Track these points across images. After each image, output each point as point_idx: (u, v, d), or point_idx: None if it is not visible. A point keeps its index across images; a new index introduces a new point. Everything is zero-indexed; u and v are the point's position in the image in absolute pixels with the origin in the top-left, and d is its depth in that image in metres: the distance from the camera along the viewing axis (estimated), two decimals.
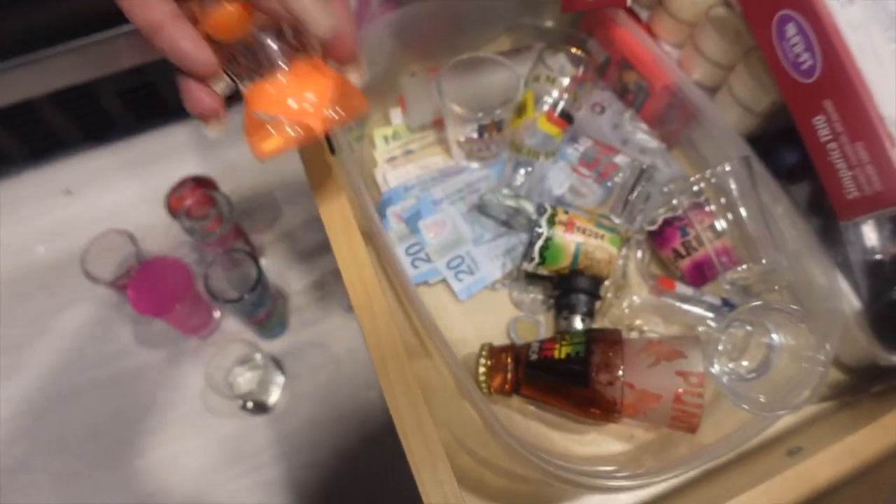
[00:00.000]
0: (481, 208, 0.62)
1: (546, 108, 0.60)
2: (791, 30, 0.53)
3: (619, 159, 0.58)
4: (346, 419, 0.81)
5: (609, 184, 0.58)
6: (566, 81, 0.60)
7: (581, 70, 0.61)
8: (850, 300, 0.57)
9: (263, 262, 0.93)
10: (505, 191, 0.60)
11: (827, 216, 0.62)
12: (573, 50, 0.62)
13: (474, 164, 0.65)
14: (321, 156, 0.54)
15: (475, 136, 0.60)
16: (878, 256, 0.59)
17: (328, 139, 0.54)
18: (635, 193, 0.56)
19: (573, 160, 0.61)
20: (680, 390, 0.48)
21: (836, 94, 0.51)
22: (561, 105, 0.60)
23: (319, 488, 0.79)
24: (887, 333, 0.56)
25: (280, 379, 0.83)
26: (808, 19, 0.52)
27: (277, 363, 0.85)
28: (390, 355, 0.44)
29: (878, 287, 0.58)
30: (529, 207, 0.58)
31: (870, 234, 0.60)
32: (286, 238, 0.93)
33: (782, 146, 0.65)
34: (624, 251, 0.58)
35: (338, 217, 0.51)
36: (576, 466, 0.43)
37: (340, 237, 0.50)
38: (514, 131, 0.62)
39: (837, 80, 0.51)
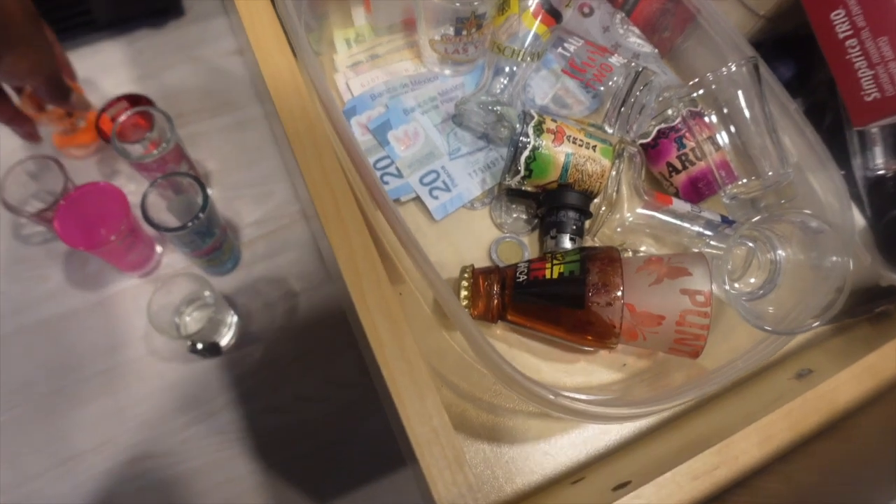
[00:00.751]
0: (457, 118, 0.56)
1: (531, 2, 0.53)
2: None
3: (614, 60, 0.52)
4: (308, 359, 0.75)
5: (602, 88, 0.52)
6: None
7: None
8: (855, 217, 0.54)
9: (210, 191, 0.84)
10: (484, 97, 0.53)
11: (824, 134, 0.58)
12: None
13: (447, 71, 0.58)
14: (279, 48, 0.46)
15: (451, 33, 0.52)
16: (880, 172, 0.56)
17: None
18: (632, 99, 0.50)
19: (561, 63, 0.55)
20: (685, 310, 0.44)
21: None
22: (549, 1, 0.53)
23: (281, 435, 0.73)
24: (893, 250, 0.53)
25: (233, 318, 0.75)
26: None
27: (229, 301, 0.77)
28: (366, 272, 0.38)
29: (882, 204, 0.54)
30: (513, 114, 0.52)
31: (875, 149, 0.56)
32: (233, 164, 0.84)
33: (777, 59, 0.61)
34: (617, 163, 0.52)
35: (299, 117, 0.43)
36: (579, 396, 0.38)
37: (304, 139, 0.43)
38: (495, 30, 0.54)
39: None
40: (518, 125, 0.51)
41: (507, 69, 0.54)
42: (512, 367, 0.38)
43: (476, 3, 0.50)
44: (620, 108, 0.51)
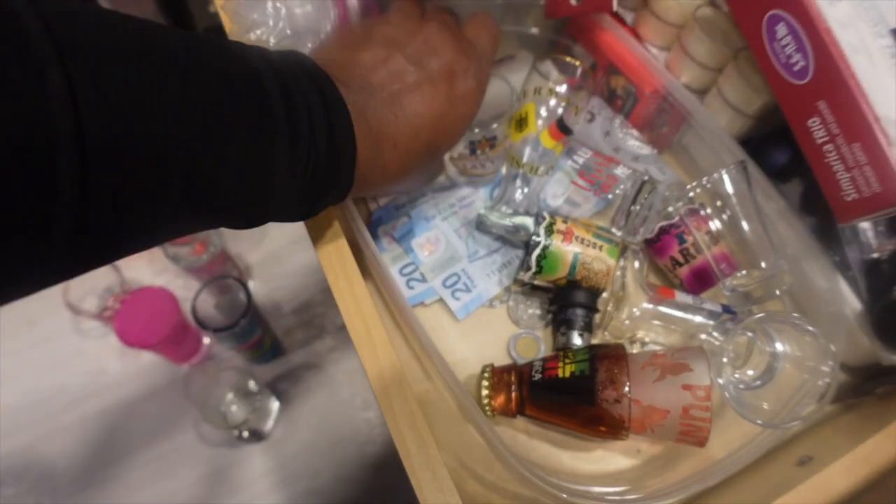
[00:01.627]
0: (480, 226, 0.61)
1: (547, 121, 0.59)
2: (782, 30, 0.53)
3: (620, 171, 0.57)
4: (346, 442, 0.79)
5: (610, 196, 0.57)
6: (563, 90, 0.59)
7: (579, 78, 0.60)
8: (850, 301, 0.57)
9: (251, 284, 0.91)
10: (504, 208, 0.59)
11: (821, 215, 0.62)
12: (566, 58, 0.61)
13: (466, 182, 0.64)
14: None
15: (467, 152, 0.58)
16: (875, 255, 0.59)
17: None
18: (638, 206, 0.55)
19: (571, 172, 0.60)
20: (687, 404, 0.47)
21: (831, 95, 0.50)
22: (560, 114, 0.59)
23: None
24: (890, 333, 0.55)
25: (275, 405, 0.81)
26: (798, 19, 0.51)
27: (272, 388, 0.83)
28: (392, 386, 0.43)
29: (878, 286, 0.57)
30: (529, 223, 0.57)
31: (867, 233, 0.60)
32: (273, 258, 0.91)
33: (772, 145, 0.65)
34: (621, 262, 0.57)
35: (331, 245, 0.49)
36: (582, 488, 0.42)
37: (335, 266, 0.48)
38: (512, 145, 0.60)
39: (831, 81, 0.50)
40: (532, 227, 0.56)
41: (523, 181, 0.59)
42: (524, 463, 0.42)
43: (478, 131, 0.56)
44: (627, 214, 0.56)
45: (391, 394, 0.42)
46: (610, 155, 0.63)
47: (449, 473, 0.52)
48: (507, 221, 0.58)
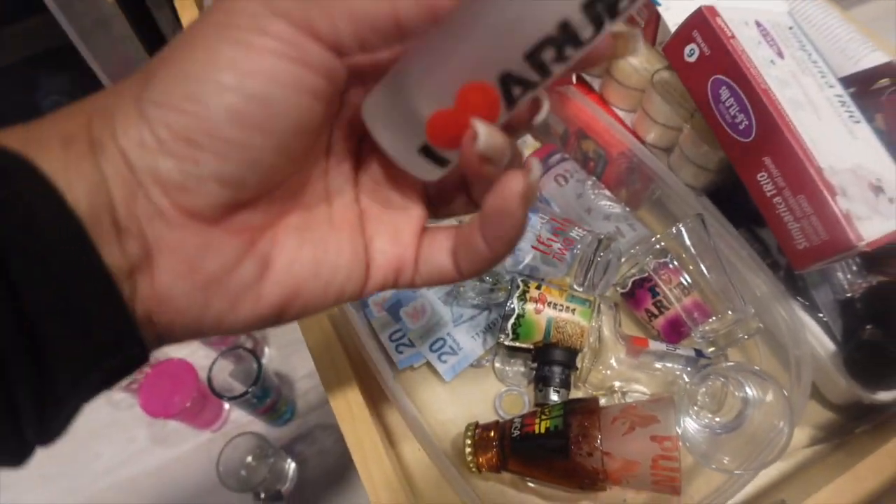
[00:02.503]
0: (455, 299, 0.65)
1: None
2: (725, 93, 0.56)
3: (575, 233, 0.60)
4: (361, 500, 0.82)
5: (567, 258, 0.60)
6: None
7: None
8: (824, 342, 0.58)
9: (267, 350, 0.96)
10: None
11: None
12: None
13: None
14: None
15: None
16: (847, 296, 0.61)
17: None
18: (594, 264, 0.58)
19: (532, 238, 0.64)
20: (656, 455, 0.50)
21: (774, 152, 0.53)
22: None
23: None
24: (863, 373, 0.57)
25: (291, 466, 0.85)
26: (738, 83, 0.55)
27: (288, 450, 0.87)
28: (371, 456, 0.46)
29: (850, 326, 0.59)
30: (504, 276, 0.61)
31: (838, 274, 0.61)
32: (287, 325, 0.96)
33: (745, 192, 0.68)
34: (596, 316, 0.60)
35: (317, 326, 0.54)
36: None
37: (315, 333, 0.53)
38: None
39: (772, 138, 0.53)
40: (507, 279, 0.60)
41: None
42: None
43: None
44: (585, 272, 0.59)
45: (368, 459, 0.46)
46: (580, 216, 0.66)
47: None
48: (483, 281, 0.62)
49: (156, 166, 0.24)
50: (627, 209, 0.67)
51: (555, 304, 0.59)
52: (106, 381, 0.25)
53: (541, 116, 0.30)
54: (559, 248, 0.60)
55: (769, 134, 0.54)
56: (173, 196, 0.25)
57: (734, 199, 0.66)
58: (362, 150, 0.33)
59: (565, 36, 0.24)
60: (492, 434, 0.56)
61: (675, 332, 0.62)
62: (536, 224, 0.63)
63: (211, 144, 0.25)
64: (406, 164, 0.30)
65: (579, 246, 0.60)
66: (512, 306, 0.59)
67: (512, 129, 0.31)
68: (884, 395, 0.56)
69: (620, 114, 0.71)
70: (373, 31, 0.24)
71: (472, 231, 0.31)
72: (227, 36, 0.24)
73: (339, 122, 0.31)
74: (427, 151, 0.29)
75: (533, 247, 0.60)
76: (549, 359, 0.59)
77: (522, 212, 0.28)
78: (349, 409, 0.49)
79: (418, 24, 0.24)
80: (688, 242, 0.58)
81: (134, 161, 0.24)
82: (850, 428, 0.59)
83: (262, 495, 0.82)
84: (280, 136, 0.26)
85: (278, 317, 0.30)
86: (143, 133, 0.24)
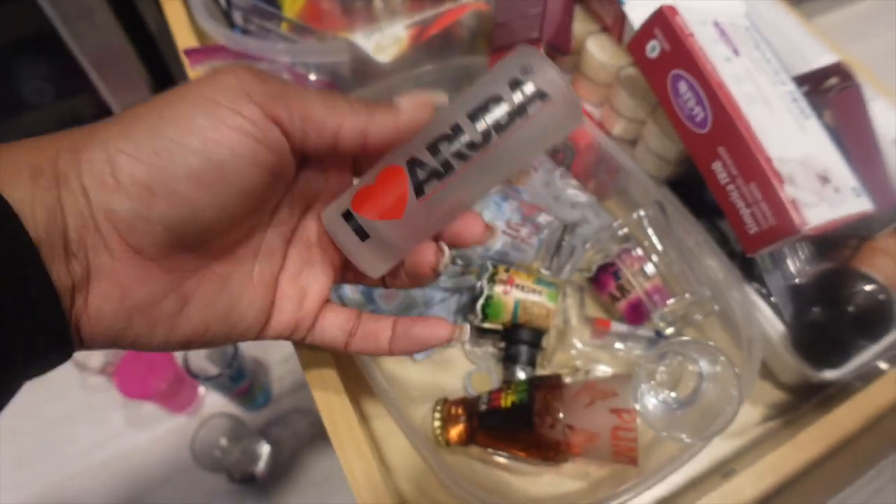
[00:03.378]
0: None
1: None
2: (683, 87, 0.59)
3: (542, 219, 0.63)
4: (333, 480, 0.84)
5: (535, 243, 0.63)
6: None
7: None
8: (775, 325, 0.62)
9: None
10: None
11: None
12: None
13: None
14: None
15: None
16: (796, 280, 0.64)
17: None
18: (560, 249, 0.61)
19: (503, 221, 0.67)
20: (615, 426, 0.53)
21: (727, 142, 0.57)
22: None
23: None
24: (811, 352, 0.60)
25: (265, 448, 0.86)
26: (695, 77, 0.58)
27: (263, 433, 0.89)
28: (345, 433, 0.49)
29: (799, 309, 0.63)
30: (474, 259, 0.63)
31: (788, 261, 0.65)
32: None
33: (702, 188, 0.71)
34: (562, 299, 0.62)
35: None
36: None
37: None
38: None
39: (726, 130, 0.56)
40: (478, 274, 0.63)
41: None
42: (460, 483, 0.47)
43: None
44: (551, 257, 0.62)
45: (339, 424, 0.48)
46: (548, 204, 0.69)
47: (410, 501, 0.58)
48: (455, 263, 0.64)
49: (111, 205, 0.29)
50: (594, 198, 0.70)
51: (522, 287, 0.62)
52: (39, 371, 0.30)
53: (442, 263, 0.39)
54: (526, 234, 0.62)
55: (723, 126, 0.57)
56: (122, 232, 0.29)
57: (695, 192, 0.70)
58: (307, 216, 0.40)
59: (455, 135, 0.35)
60: (460, 409, 0.58)
61: (636, 314, 0.65)
62: (506, 210, 0.66)
63: (165, 194, 0.29)
64: (352, 256, 0.38)
65: (546, 231, 0.63)
66: (482, 288, 0.62)
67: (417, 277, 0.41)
68: (829, 374, 0.59)
69: (589, 108, 0.74)
70: (317, 133, 0.33)
71: (378, 330, 0.42)
72: (204, 109, 0.30)
73: (292, 194, 0.38)
74: (349, 218, 0.37)
75: (503, 231, 0.63)
76: (517, 338, 0.62)
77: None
78: (322, 379, 0.51)
79: (350, 144, 0.34)
80: (648, 228, 0.61)
81: (93, 197, 0.29)
82: (799, 405, 0.63)
83: (236, 476, 0.84)
84: (226, 197, 0.31)
85: (185, 346, 0.35)
86: (105, 175, 0.29)
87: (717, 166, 0.58)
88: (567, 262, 0.63)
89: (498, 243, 0.67)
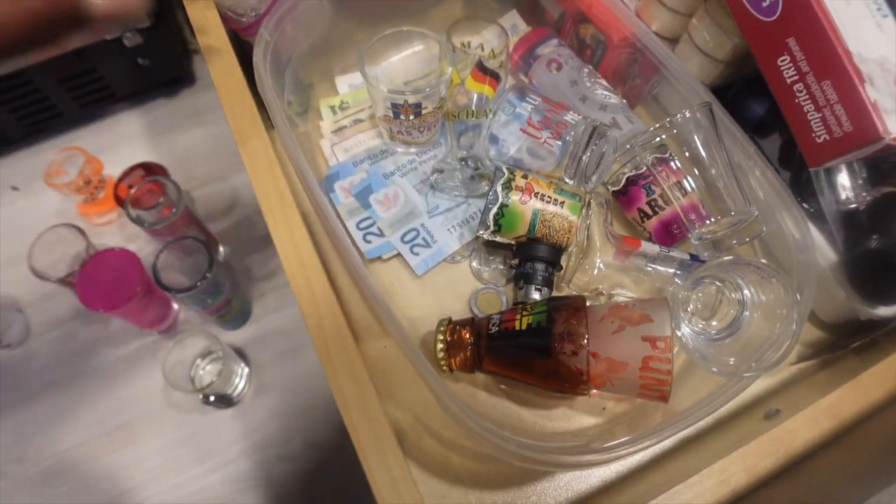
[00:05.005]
0: (437, 183, 0.59)
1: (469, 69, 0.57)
2: None
3: (570, 117, 0.54)
4: (319, 408, 0.78)
5: (560, 143, 0.54)
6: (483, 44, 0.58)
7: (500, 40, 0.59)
8: (825, 253, 0.55)
9: (223, 249, 0.89)
10: (460, 152, 0.56)
11: (799, 168, 0.59)
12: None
13: (399, 149, 0.61)
14: (255, 130, 0.51)
15: (390, 114, 0.56)
16: (852, 206, 0.57)
17: None
18: (588, 153, 0.53)
19: (521, 120, 0.58)
20: (646, 356, 0.45)
21: (800, 31, 0.48)
22: (481, 63, 0.57)
23: (293, 482, 0.76)
24: (866, 284, 0.53)
25: (244, 370, 0.79)
26: None
27: (241, 353, 0.81)
28: (331, 335, 0.41)
29: (855, 237, 0.55)
30: (488, 165, 0.55)
31: (843, 183, 0.57)
32: (245, 223, 0.89)
33: (749, 98, 0.62)
34: (585, 212, 0.54)
35: (272, 194, 0.47)
36: (534, 443, 0.40)
37: (277, 215, 0.47)
38: (447, 102, 0.58)
39: (801, 16, 0.47)
40: (492, 181, 0.54)
41: (468, 128, 0.57)
42: (468, 413, 0.40)
43: (406, 94, 0.54)
44: (577, 162, 0.54)
45: (329, 342, 0.41)
46: (574, 105, 0.60)
47: (406, 430, 0.51)
48: (466, 165, 0.56)
49: None
50: (624, 101, 0.61)
51: (542, 196, 0.54)
52: None
53: None
54: (551, 133, 0.54)
55: (797, 12, 0.48)
56: None
57: (735, 104, 0.61)
58: None
59: None
60: (467, 331, 0.51)
61: (668, 234, 0.57)
62: (523, 113, 0.57)
63: None
64: None
65: (571, 133, 0.54)
66: (496, 195, 0.53)
67: None
68: (884, 310, 0.53)
69: None
70: None
71: None
72: None
73: None
74: None
75: (522, 129, 0.54)
76: (533, 254, 0.54)
77: None
78: (311, 293, 0.43)
79: None
80: (693, 133, 0.53)
81: None
82: (841, 345, 0.56)
83: (212, 398, 0.77)
84: None
85: None
86: None
87: (783, 61, 0.49)
88: (594, 171, 0.54)
89: (513, 148, 0.58)
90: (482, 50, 0.58)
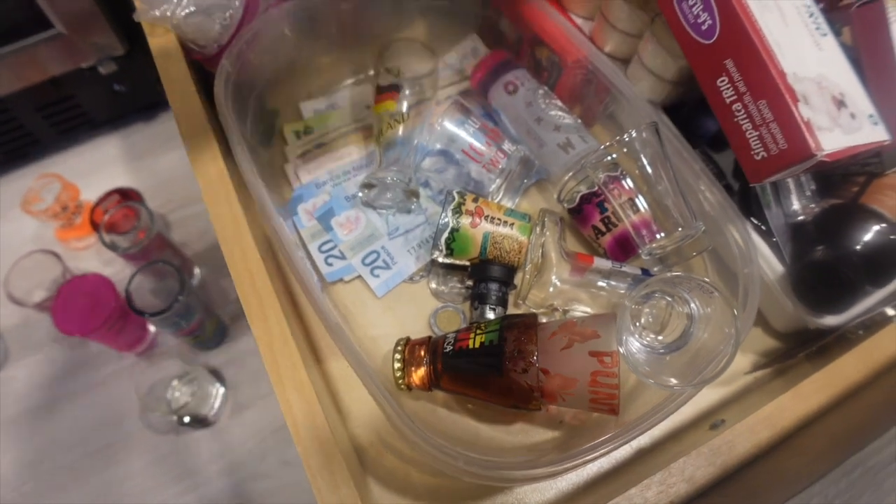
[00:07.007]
0: (368, 200, 0.60)
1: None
2: None
3: (507, 146, 0.56)
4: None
5: (499, 170, 0.56)
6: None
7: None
8: (773, 265, 0.56)
9: (198, 271, 0.90)
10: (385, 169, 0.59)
11: (747, 182, 0.61)
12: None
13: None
14: (211, 159, 0.52)
15: None
16: (799, 218, 0.58)
17: None
18: (523, 181, 0.55)
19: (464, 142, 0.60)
20: (594, 371, 0.47)
21: (737, 53, 0.49)
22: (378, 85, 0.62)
23: (269, 499, 0.77)
24: (811, 295, 0.55)
25: (220, 391, 0.80)
26: None
27: (217, 375, 0.82)
28: (282, 358, 0.42)
29: (800, 249, 0.57)
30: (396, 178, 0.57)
31: (791, 197, 0.59)
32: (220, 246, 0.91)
33: (703, 114, 0.64)
34: (540, 231, 0.56)
35: (228, 221, 0.48)
36: (483, 458, 0.42)
37: (231, 243, 0.48)
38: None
39: (736, 38, 0.49)
40: (441, 206, 0.56)
41: (395, 143, 0.59)
42: (423, 435, 0.41)
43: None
44: (503, 186, 0.56)
45: (281, 367, 0.42)
46: (529, 126, 0.62)
47: (367, 447, 0.52)
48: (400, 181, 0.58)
49: None
50: (579, 121, 0.63)
51: (492, 218, 0.55)
52: None
53: None
54: (491, 160, 0.56)
55: (733, 35, 0.50)
56: None
57: (690, 120, 0.63)
58: None
59: None
60: (423, 350, 0.52)
61: (622, 250, 0.59)
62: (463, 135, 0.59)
63: None
64: None
65: (506, 162, 0.56)
66: (446, 220, 0.55)
67: None
68: (830, 319, 0.54)
69: (578, 21, 0.66)
70: None
71: None
72: None
73: None
74: None
75: (464, 151, 0.56)
76: (486, 275, 0.55)
77: None
78: (263, 312, 0.44)
79: None
80: (641, 151, 0.54)
81: None
82: (792, 353, 0.58)
83: (187, 420, 0.78)
84: None
85: None
86: None
87: (722, 82, 0.51)
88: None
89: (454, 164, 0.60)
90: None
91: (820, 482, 0.34)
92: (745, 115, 0.50)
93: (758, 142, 0.50)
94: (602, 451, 0.43)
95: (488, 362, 0.49)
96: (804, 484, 0.38)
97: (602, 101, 0.64)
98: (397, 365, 0.52)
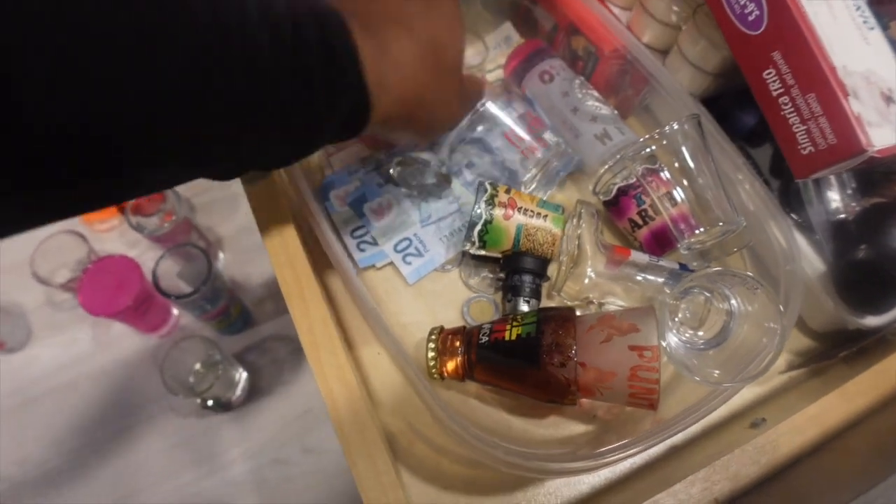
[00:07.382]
0: (396, 177, 0.60)
1: None
2: None
3: (548, 136, 0.55)
4: (314, 413, 0.79)
5: (536, 158, 0.56)
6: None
7: None
8: (814, 263, 0.55)
9: (223, 255, 0.90)
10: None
11: (788, 179, 0.60)
12: None
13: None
14: None
15: None
16: (841, 216, 0.57)
17: None
18: (559, 173, 0.54)
19: (504, 126, 0.59)
20: (634, 366, 0.46)
21: (785, 45, 0.48)
22: None
23: (289, 485, 0.77)
24: (853, 294, 0.54)
25: (242, 375, 0.80)
26: None
27: (239, 359, 0.82)
28: (322, 341, 0.42)
29: (842, 247, 0.56)
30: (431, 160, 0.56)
31: (831, 194, 0.58)
32: (245, 230, 0.91)
33: (741, 108, 0.63)
34: (574, 222, 0.55)
35: (266, 202, 0.48)
36: (522, 450, 0.41)
37: (270, 223, 0.47)
38: None
39: (785, 30, 0.48)
40: (474, 199, 0.55)
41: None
42: (457, 420, 0.41)
43: None
44: (538, 176, 0.55)
45: (320, 349, 0.42)
46: (564, 116, 0.61)
47: (397, 435, 0.52)
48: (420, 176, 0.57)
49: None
50: (616, 112, 0.62)
51: (525, 210, 0.55)
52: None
53: None
54: (528, 147, 0.55)
55: (782, 26, 0.48)
56: None
57: (726, 115, 0.62)
58: None
59: None
60: (458, 340, 0.52)
61: (659, 244, 0.58)
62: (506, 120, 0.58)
63: None
64: None
65: (543, 152, 0.55)
66: (479, 212, 0.54)
67: None
68: (871, 320, 0.53)
69: (616, 10, 0.65)
70: None
71: None
72: None
73: None
74: None
75: (505, 134, 0.55)
76: (519, 267, 0.55)
77: None
78: (303, 299, 0.44)
79: None
80: (682, 144, 0.53)
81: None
82: (830, 354, 0.57)
83: (210, 403, 0.78)
84: None
85: None
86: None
87: (769, 74, 0.50)
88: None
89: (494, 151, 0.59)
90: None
91: (883, 484, 0.33)
92: (792, 109, 0.49)
93: (805, 136, 0.49)
94: (642, 445, 0.42)
95: (525, 355, 0.48)
96: (853, 491, 0.37)
97: (640, 92, 0.63)
98: (431, 354, 0.51)
